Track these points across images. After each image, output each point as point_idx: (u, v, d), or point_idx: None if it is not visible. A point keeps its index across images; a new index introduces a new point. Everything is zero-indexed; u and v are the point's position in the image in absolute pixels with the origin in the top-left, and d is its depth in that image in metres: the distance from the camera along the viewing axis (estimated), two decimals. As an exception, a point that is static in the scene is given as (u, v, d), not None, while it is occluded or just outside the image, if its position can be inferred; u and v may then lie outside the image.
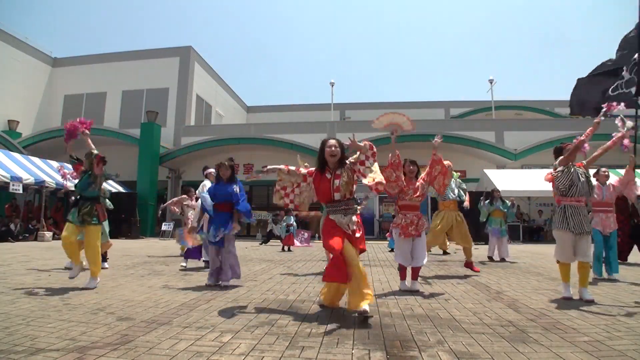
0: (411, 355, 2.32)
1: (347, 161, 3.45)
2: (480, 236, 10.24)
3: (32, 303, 3.59)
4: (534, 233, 15.61)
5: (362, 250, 3.59)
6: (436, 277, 5.45)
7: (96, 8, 71.45)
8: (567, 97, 6.18)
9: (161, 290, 4.35)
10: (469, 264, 5.68)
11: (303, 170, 3.65)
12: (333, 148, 3.39)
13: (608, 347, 2.45)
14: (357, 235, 3.36)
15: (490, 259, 7.74)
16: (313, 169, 3.62)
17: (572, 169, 3.94)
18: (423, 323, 3.02)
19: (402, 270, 4.45)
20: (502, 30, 77.69)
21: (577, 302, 3.78)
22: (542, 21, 73.88)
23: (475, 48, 77.58)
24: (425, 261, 4.42)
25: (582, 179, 3.91)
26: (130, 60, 20.86)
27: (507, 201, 8.04)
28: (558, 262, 4.04)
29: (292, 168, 3.65)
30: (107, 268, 5.90)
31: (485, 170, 15.15)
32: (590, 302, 3.72)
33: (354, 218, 3.36)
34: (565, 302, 3.77)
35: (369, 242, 5.38)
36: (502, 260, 7.60)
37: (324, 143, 3.47)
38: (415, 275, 4.40)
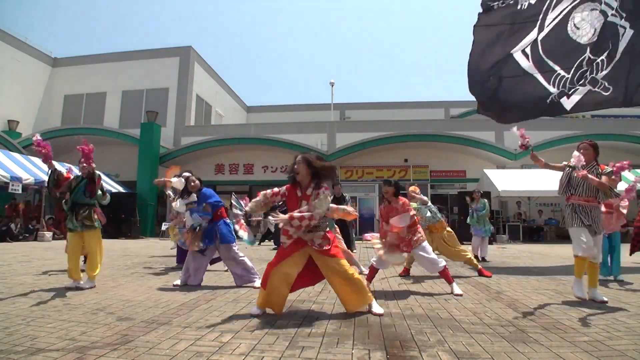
0: (411, 355, 2.33)
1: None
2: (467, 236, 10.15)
3: (32, 303, 3.59)
4: (534, 233, 15.60)
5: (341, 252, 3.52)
6: (436, 277, 5.44)
7: (96, 8, 71.55)
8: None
9: (161, 290, 4.35)
10: (480, 271, 5.65)
11: (281, 189, 3.35)
12: (295, 166, 3.23)
13: (608, 347, 2.45)
14: (327, 247, 3.21)
15: (475, 257, 7.75)
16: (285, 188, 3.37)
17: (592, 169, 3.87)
18: (423, 323, 3.02)
19: (371, 271, 4.42)
20: (502, 30, 77.42)
21: (577, 302, 3.78)
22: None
23: (475, 48, 77.41)
24: (442, 264, 4.28)
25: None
26: (130, 60, 20.84)
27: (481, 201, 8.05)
28: (576, 256, 3.82)
29: (269, 192, 3.33)
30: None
31: (485, 170, 15.14)
32: (604, 303, 3.67)
33: (319, 233, 3.23)
34: (565, 302, 3.77)
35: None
36: (482, 259, 7.66)
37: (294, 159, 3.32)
38: (449, 279, 4.31)
